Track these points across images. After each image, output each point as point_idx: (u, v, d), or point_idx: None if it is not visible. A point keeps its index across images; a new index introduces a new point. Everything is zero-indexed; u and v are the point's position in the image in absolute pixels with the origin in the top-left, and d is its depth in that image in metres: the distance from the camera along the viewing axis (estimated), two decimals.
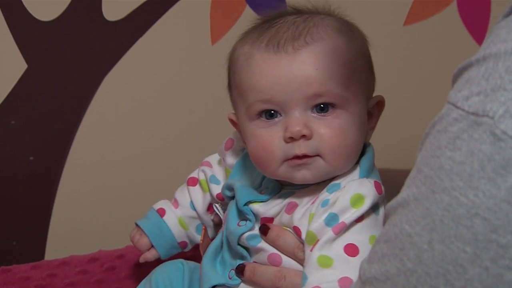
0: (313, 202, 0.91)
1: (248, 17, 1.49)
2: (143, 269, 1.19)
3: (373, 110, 0.95)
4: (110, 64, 1.48)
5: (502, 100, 0.61)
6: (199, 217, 1.09)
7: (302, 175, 0.91)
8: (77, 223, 1.52)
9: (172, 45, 1.49)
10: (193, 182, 1.10)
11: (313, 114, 0.89)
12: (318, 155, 0.89)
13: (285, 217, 0.93)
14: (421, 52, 1.62)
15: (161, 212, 1.11)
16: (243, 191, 0.97)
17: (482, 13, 1.61)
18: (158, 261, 1.10)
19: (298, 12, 0.96)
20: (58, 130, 1.48)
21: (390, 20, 1.59)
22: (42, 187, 1.49)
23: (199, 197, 1.09)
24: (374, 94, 0.97)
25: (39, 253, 1.51)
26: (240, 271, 0.95)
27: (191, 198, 1.10)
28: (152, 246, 1.11)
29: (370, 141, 0.97)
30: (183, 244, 1.11)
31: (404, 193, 0.68)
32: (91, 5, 1.43)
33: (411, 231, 0.65)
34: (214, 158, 1.10)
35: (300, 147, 0.89)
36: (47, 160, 1.48)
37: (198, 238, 1.10)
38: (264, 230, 0.94)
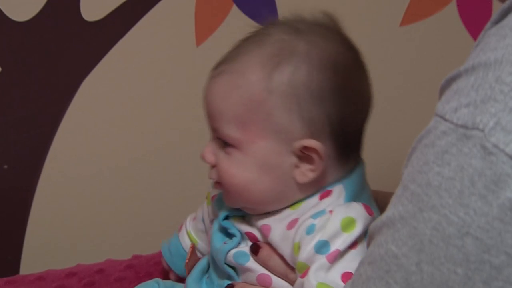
0: (290, 227, 0.90)
1: (235, 17, 1.50)
2: (123, 284, 1.19)
3: (307, 152, 0.90)
4: (89, 66, 1.47)
5: (493, 112, 0.60)
6: (206, 232, 1.10)
7: (224, 199, 0.96)
8: (54, 235, 1.51)
9: (154, 46, 1.49)
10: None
11: (222, 144, 0.92)
12: None
13: (264, 239, 0.93)
14: (418, 54, 1.62)
15: (180, 227, 1.14)
16: (221, 205, 0.98)
17: (483, 13, 1.61)
18: (137, 278, 1.10)
19: (287, 26, 0.93)
20: (34, 136, 1.47)
21: (386, 20, 1.59)
22: (17, 197, 1.49)
23: (205, 209, 1.09)
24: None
25: (14, 267, 1.50)
26: None
27: (202, 211, 1.10)
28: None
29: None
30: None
31: (390, 211, 0.67)
32: (69, 4, 1.43)
33: (397, 252, 0.64)
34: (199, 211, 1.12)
35: (210, 172, 0.95)
36: (22, 169, 1.48)
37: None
38: (255, 249, 0.93)
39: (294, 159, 0.90)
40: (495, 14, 0.67)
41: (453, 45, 1.61)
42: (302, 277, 0.86)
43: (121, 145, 1.52)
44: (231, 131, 0.90)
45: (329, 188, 0.92)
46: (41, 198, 1.49)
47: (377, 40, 1.57)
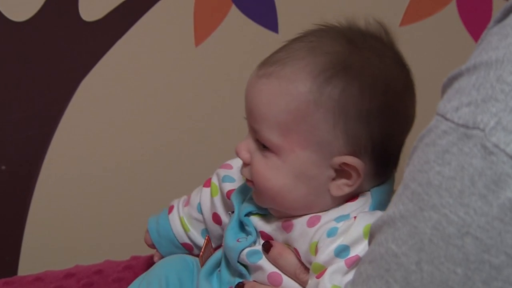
0: (310, 225, 0.91)
1: (235, 17, 1.50)
2: (122, 285, 1.18)
3: (347, 169, 0.89)
4: (88, 67, 1.47)
5: (494, 111, 0.60)
6: (204, 222, 1.09)
7: (254, 196, 0.95)
8: (52, 236, 1.51)
9: (153, 47, 1.49)
10: (207, 183, 1.10)
11: (261, 146, 0.92)
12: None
13: (283, 235, 0.93)
14: (418, 55, 1.61)
15: (170, 209, 1.12)
16: (241, 200, 0.98)
17: (484, 13, 1.61)
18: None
19: (341, 35, 0.92)
20: (32, 137, 1.47)
21: (385, 20, 1.58)
22: (15, 198, 1.49)
23: (206, 200, 1.09)
24: None
25: (12, 268, 1.51)
26: None
27: (200, 200, 1.09)
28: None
29: None
30: (187, 247, 1.10)
31: (390, 210, 0.67)
32: (67, 4, 1.43)
33: (397, 251, 0.64)
34: (237, 161, 1.08)
35: (242, 169, 0.95)
36: (21, 170, 1.48)
37: (203, 243, 1.09)
38: (267, 247, 0.93)
39: (331, 173, 0.90)
40: (498, 13, 0.67)
41: (453, 46, 1.61)
42: (318, 277, 0.86)
43: (119, 145, 1.52)
44: (272, 137, 0.89)
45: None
46: (39, 198, 1.49)
47: None
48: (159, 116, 1.53)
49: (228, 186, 1.05)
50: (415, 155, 0.66)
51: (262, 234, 0.95)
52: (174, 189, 1.50)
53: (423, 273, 0.62)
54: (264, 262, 0.94)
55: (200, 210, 1.09)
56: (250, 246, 0.94)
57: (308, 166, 0.90)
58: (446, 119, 0.63)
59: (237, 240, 0.95)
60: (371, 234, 0.70)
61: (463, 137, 0.61)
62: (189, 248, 1.11)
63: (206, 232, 1.09)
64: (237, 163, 1.07)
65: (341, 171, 0.90)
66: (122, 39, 1.47)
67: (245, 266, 0.95)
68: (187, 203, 1.11)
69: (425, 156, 0.64)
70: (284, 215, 0.94)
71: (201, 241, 1.09)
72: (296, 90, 0.88)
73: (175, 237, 1.10)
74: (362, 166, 0.88)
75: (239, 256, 0.94)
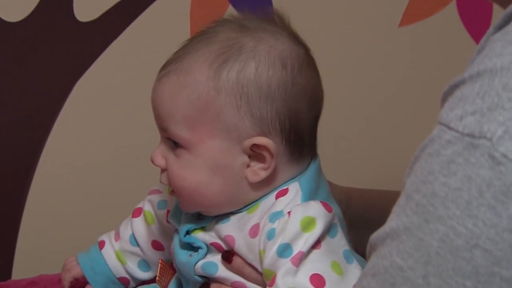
0: (253, 235, 0.90)
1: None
2: None
3: (258, 151, 0.90)
4: (83, 68, 1.47)
5: (501, 120, 0.60)
6: (142, 252, 1.08)
7: (179, 204, 0.95)
8: (47, 239, 1.51)
9: (148, 47, 1.49)
10: (137, 213, 1.09)
11: (173, 146, 0.92)
12: None
13: (229, 249, 0.93)
14: (418, 56, 1.62)
15: (101, 244, 1.11)
16: (178, 219, 0.97)
17: (484, 14, 1.61)
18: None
19: (234, 24, 0.93)
20: (27, 139, 1.47)
21: (384, 21, 1.59)
22: (9, 199, 1.48)
23: (141, 230, 1.08)
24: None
25: (6, 272, 1.50)
26: None
27: (132, 231, 1.09)
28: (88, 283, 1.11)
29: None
30: (123, 281, 1.10)
31: (393, 222, 0.66)
32: (61, 4, 1.43)
33: (403, 264, 0.64)
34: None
35: (161, 177, 0.94)
36: (15, 171, 1.48)
37: (141, 274, 1.09)
38: (227, 257, 0.92)
39: (245, 158, 0.90)
40: (498, 19, 0.67)
41: (453, 46, 1.61)
42: (270, 285, 0.85)
43: (115, 147, 1.52)
44: (180, 131, 0.90)
45: (284, 187, 0.91)
46: (34, 200, 1.49)
47: (375, 41, 1.56)
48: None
49: (164, 212, 1.04)
50: (417, 165, 0.66)
51: (215, 246, 0.94)
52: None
53: (431, 287, 0.62)
54: (222, 272, 0.93)
55: (135, 242, 1.09)
56: (203, 258, 0.94)
57: (220, 156, 0.90)
58: (450, 128, 0.63)
59: (190, 255, 0.94)
60: (372, 246, 0.69)
61: (469, 147, 0.61)
62: (125, 282, 1.10)
63: (143, 263, 1.09)
64: (164, 186, 1.08)
65: (254, 156, 0.90)
66: (117, 40, 1.47)
67: (204, 277, 0.95)
68: (117, 237, 1.10)
69: (428, 167, 0.64)
70: (213, 215, 0.93)
71: (138, 273, 1.09)
72: (194, 80, 0.89)
73: (112, 271, 1.09)
74: (273, 145, 0.89)
75: (194, 270, 0.94)
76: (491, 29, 0.67)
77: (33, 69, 1.44)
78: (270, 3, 1.51)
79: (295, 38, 0.93)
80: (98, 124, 1.50)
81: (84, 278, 1.11)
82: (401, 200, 0.66)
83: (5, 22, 1.41)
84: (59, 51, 1.45)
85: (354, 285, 0.72)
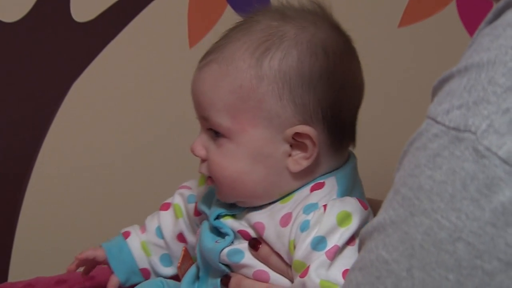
0: (284, 224, 0.90)
1: (229, 18, 1.49)
2: None
3: (300, 139, 0.90)
4: (80, 68, 1.47)
5: (485, 114, 0.60)
6: (166, 245, 1.09)
7: (217, 193, 0.96)
8: (44, 241, 1.51)
9: (146, 48, 1.49)
10: (166, 207, 1.10)
11: (214, 135, 0.93)
12: None
13: (258, 236, 0.93)
14: (417, 56, 1.62)
15: (126, 234, 1.11)
16: (209, 205, 0.98)
17: (484, 14, 1.60)
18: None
19: (275, 13, 0.94)
20: (23, 140, 1.47)
21: (384, 21, 1.59)
22: (6, 201, 1.48)
23: (168, 222, 1.09)
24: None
25: (2, 274, 1.50)
26: (224, 283, 0.94)
27: (159, 223, 1.09)
28: (112, 272, 1.09)
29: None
30: (145, 272, 1.10)
31: (381, 216, 0.66)
32: (58, 5, 1.43)
33: (388, 257, 0.64)
34: (194, 182, 1.10)
35: (200, 166, 0.95)
36: (11, 173, 1.48)
37: (162, 269, 1.09)
38: (254, 245, 0.93)
39: (287, 147, 0.90)
40: (489, 14, 0.67)
41: (453, 47, 1.61)
42: (302, 276, 0.85)
43: (112, 148, 1.52)
44: (222, 120, 0.90)
45: (321, 180, 0.92)
46: (30, 202, 1.49)
47: (375, 42, 1.57)
48: (153, 118, 1.52)
49: (193, 206, 1.05)
50: (406, 159, 0.66)
51: (242, 233, 0.94)
52: (170, 192, 1.50)
53: (414, 280, 0.62)
54: (248, 260, 0.93)
55: (160, 234, 1.09)
56: (229, 245, 0.94)
57: (262, 144, 0.91)
58: (437, 122, 0.63)
59: (216, 242, 0.95)
60: (361, 241, 0.70)
61: (454, 140, 0.61)
62: (146, 274, 1.10)
63: (166, 257, 1.09)
64: (194, 182, 1.10)
65: (296, 144, 0.90)
66: (114, 40, 1.47)
67: (227, 266, 0.95)
68: (143, 229, 1.11)
69: (415, 160, 0.64)
70: (251, 206, 0.93)
71: (160, 267, 1.09)
72: (236, 69, 0.90)
73: (135, 261, 1.09)
74: (315, 133, 0.89)
75: (219, 257, 0.94)
76: (482, 24, 0.67)
77: (30, 69, 1.45)
78: (269, 4, 1.51)
79: (337, 28, 0.94)
80: (95, 125, 1.50)
81: (104, 266, 1.10)
82: (389, 194, 0.67)
83: (2, 23, 1.41)
84: (56, 52, 1.45)
85: (345, 280, 0.72)
